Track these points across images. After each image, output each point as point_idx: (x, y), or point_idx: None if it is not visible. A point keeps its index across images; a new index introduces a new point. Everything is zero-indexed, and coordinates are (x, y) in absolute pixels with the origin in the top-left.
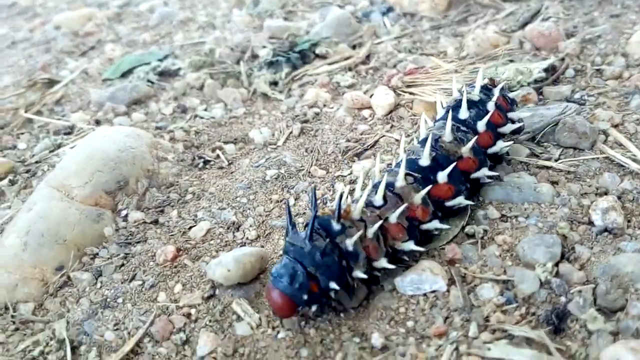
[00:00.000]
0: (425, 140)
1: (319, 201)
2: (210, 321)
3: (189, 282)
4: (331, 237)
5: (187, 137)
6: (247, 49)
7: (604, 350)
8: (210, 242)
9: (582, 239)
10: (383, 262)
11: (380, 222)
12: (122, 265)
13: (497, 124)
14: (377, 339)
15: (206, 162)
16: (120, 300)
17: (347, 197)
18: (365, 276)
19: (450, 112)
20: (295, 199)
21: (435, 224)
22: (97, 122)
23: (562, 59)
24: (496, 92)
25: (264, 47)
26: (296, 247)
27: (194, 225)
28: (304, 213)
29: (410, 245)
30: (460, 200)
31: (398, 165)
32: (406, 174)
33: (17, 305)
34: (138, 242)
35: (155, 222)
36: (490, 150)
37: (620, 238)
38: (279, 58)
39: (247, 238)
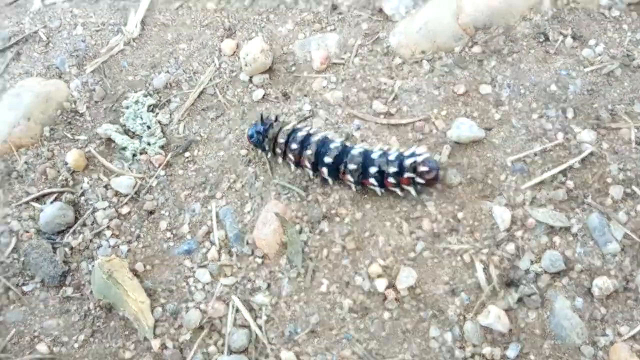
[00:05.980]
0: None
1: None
2: None
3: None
4: (265, 136)
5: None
6: None
7: None
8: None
9: None
10: (279, 160)
11: (281, 151)
12: (442, 76)
13: None
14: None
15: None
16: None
17: (292, 126)
18: (268, 156)
19: None
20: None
21: (309, 172)
22: None
23: None
24: None
25: None
26: (259, 126)
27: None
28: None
29: (293, 167)
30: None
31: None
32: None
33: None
34: (463, 69)
35: (480, 61)
36: None
37: None
38: None
39: None
